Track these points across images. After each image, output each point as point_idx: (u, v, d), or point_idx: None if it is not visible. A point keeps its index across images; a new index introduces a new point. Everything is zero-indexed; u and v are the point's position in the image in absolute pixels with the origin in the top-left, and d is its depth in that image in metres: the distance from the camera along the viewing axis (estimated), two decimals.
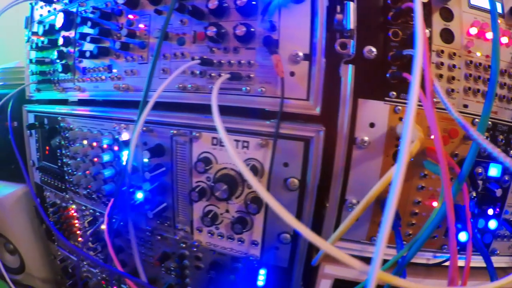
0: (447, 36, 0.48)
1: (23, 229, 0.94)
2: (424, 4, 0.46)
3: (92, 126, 0.68)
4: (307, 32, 0.46)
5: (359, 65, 0.46)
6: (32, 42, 0.84)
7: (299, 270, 0.52)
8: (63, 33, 0.75)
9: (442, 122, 0.47)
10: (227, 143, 0.34)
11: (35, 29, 0.84)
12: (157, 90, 0.48)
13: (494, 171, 0.50)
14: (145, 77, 0.60)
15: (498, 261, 0.53)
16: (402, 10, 0.45)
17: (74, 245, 0.75)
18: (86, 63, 0.70)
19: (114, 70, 0.65)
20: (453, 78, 0.48)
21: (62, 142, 0.77)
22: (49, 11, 0.81)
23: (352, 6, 0.44)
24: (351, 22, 0.44)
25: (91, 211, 0.75)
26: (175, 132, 0.55)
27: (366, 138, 0.47)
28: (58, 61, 0.75)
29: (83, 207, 0.77)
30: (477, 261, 0.45)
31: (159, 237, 0.63)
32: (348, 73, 0.46)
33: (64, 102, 0.79)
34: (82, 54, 0.67)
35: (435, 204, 0.49)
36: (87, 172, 0.68)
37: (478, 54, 0.49)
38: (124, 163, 0.63)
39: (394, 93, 0.46)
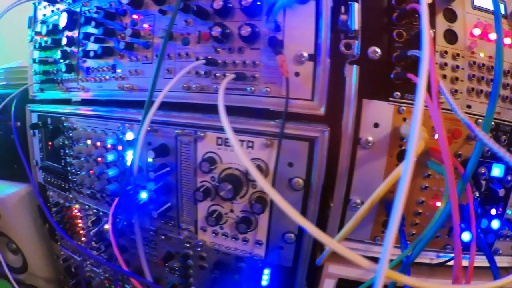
0: (451, 37, 0.48)
1: (26, 228, 0.94)
2: (428, 5, 0.46)
3: (96, 126, 0.69)
4: (311, 32, 0.46)
5: (364, 66, 0.46)
6: (36, 42, 0.84)
7: (303, 270, 0.53)
8: (67, 33, 0.75)
9: (446, 122, 0.47)
10: (235, 143, 0.34)
11: (38, 29, 0.84)
12: (162, 90, 0.48)
13: (497, 171, 0.51)
14: (149, 77, 0.60)
15: (500, 261, 0.53)
16: (407, 11, 0.45)
17: (79, 245, 0.76)
18: (90, 63, 0.71)
19: (118, 70, 0.65)
20: (457, 78, 0.48)
21: (66, 142, 0.77)
22: (52, 11, 0.81)
23: (356, 7, 0.44)
24: (356, 22, 0.44)
25: (94, 210, 0.76)
26: (179, 132, 0.55)
27: (370, 138, 0.47)
28: (61, 61, 0.75)
29: (87, 207, 0.78)
30: (480, 261, 0.45)
31: (163, 237, 0.64)
32: (352, 73, 0.46)
33: (67, 102, 0.79)
34: (86, 54, 0.67)
35: (438, 204, 0.50)
36: (91, 171, 0.69)
37: (482, 55, 0.49)
38: (128, 163, 0.63)
39: (398, 93, 0.47)
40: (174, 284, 0.66)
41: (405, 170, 0.25)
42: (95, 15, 0.66)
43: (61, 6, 0.78)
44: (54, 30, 0.77)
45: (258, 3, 0.47)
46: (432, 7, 0.47)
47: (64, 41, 0.73)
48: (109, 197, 0.70)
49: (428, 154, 0.46)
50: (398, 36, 0.46)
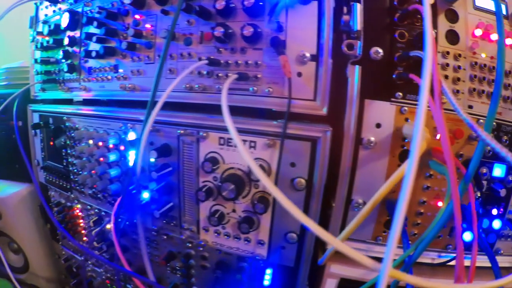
0: (453, 37, 0.48)
1: (27, 228, 0.94)
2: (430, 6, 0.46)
3: (98, 126, 0.69)
4: (314, 33, 0.46)
5: (366, 66, 0.46)
6: (37, 41, 0.84)
7: (305, 270, 0.53)
8: (69, 33, 0.75)
9: (447, 122, 0.47)
10: (238, 143, 0.34)
11: (40, 29, 0.84)
12: (164, 90, 0.48)
13: (498, 171, 0.51)
14: (152, 77, 0.61)
15: (502, 261, 0.53)
16: (409, 12, 0.45)
17: (82, 245, 0.76)
18: (92, 63, 0.71)
19: (120, 70, 0.65)
20: (458, 79, 0.48)
21: (68, 142, 0.77)
22: (54, 11, 0.81)
23: (359, 7, 0.44)
24: (358, 23, 0.44)
25: (96, 210, 0.76)
26: (182, 132, 0.56)
27: (372, 139, 0.47)
28: (63, 60, 0.75)
29: (88, 207, 0.78)
30: (481, 261, 0.45)
31: (165, 237, 0.64)
32: (355, 74, 0.46)
33: (69, 102, 0.79)
34: (88, 54, 0.67)
35: (440, 204, 0.50)
36: (93, 171, 0.69)
37: (483, 55, 0.49)
38: (130, 163, 0.63)
39: (400, 93, 0.47)
40: (176, 284, 0.66)
41: (409, 170, 0.25)
42: (97, 15, 0.66)
43: (63, 6, 0.78)
44: (56, 30, 0.77)
45: (261, 3, 0.48)
46: (434, 8, 0.47)
47: (66, 41, 0.73)
48: (111, 197, 0.70)
49: (430, 154, 0.46)
50: (400, 36, 0.47)
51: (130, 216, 0.62)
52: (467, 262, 0.37)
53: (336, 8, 0.45)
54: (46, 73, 0.84)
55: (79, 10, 0.72)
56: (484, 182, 0.51)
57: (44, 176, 0.88)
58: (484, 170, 0.50)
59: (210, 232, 0.58)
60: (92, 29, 0.68)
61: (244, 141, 0.51)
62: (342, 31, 0.45)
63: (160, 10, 0.57)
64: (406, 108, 0.47)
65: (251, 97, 0.51)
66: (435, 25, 0.47)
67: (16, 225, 0.92)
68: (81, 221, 0.82)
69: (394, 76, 0.47)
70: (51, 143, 0.82)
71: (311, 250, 0.52)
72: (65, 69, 0.74)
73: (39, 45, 0.82)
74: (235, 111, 0.49)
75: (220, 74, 0.53)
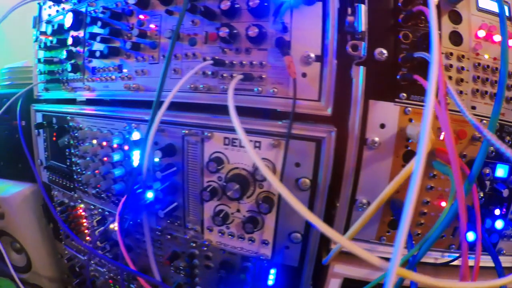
0: (456, 38, 0.48)
1: (30, 228, 0.94)
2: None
3: (102, 126, 0.69)
4: (318, 33, 0.47)
5: (370, 67, 0.47)
6: (41, 41, 0.84)
7: (309, 270, 0.53)
8: (72, 32, 0.75)
9: (451, 123, 0.48)
10: (245, 142, 0.34)
11: (43, 28, 0.84)
12: (169, 90, 0.48)
13: (501, 171, 0.51)
14: (156, 77, 0.61)
15: (504, 261, 0.53)
16: (413, 13, 0.46)
17: (87, 245, 0.76)
18: (96, 63, 0.71)
19: (125, 70, 0.66)
20: (462, 80, 0.49)
21: (71, 142, 0.77)
22: (57, 11, 0.81)
23: (363, 9, 0.44)
24: (363, 24, 0.45)
25: (99, 210, 0.76)
26: (186, 132, 0.56)
27: (376, 139, 0.47)
28: (67, 60, 0.75)
29: (92, 207, 0.78)
30: (484, 261, 0.45)
31: (169, 237, 0.64)
32: (359, 74, 0.46)
33: (72, 101, 0.79)
34: (92, 54, 0.67)
35: (443, 204, 0.50)
36: (97, 171, 0.69)
37: (486, 56, 0.50)
38: (134, 162, 0.64)
39: (404, 94, 0.47)
40: (179, 283, 0.67)
41: (416, 170, 0.25)
42: (101, 15, 0.66)
43: (66, 6, 0.78)
44: (60, 30, 0.77)
45: (266, 4, 0.48)
46: (437, 9, 0.47)
47: (70, 41, 0.73)
48: (115, 197, 0.70)
49: (433, 155, 0.46)
50: (404, 37, 0.47)
51: (134, 216, 0.62)
52: (470, 262, 0.37)
53: (340, 9, 0.46)
54: (49, 73, 0.85)
55: (83, 10, 0.72)
56: (487, 183, 0.51)
57: (47, 176, 0.89)
58: (487, 171, 0.50)
59: (214, 232, 0.59)
60: (96, 29, 0.68)
61: (249, 141, 0.51)
62: (347, 32, 0.46)
63: (165, 10, 0.57)
64: (410, 108, 0.47)
65: (256, 98, 0.51)
66: (438, 26, 0.47)
67: (18, 225, 0.93)
68: (84, 220, 0.82)
69: (398, 77, 0.47)
70: (54, 147, 0.83)
71: (315, 250, 0.52)
72: (69, 69, 0.74)
73: (42, 45, 0.82)
74: (240, 111, 0.49)
75: (225, 75, 0.53)
